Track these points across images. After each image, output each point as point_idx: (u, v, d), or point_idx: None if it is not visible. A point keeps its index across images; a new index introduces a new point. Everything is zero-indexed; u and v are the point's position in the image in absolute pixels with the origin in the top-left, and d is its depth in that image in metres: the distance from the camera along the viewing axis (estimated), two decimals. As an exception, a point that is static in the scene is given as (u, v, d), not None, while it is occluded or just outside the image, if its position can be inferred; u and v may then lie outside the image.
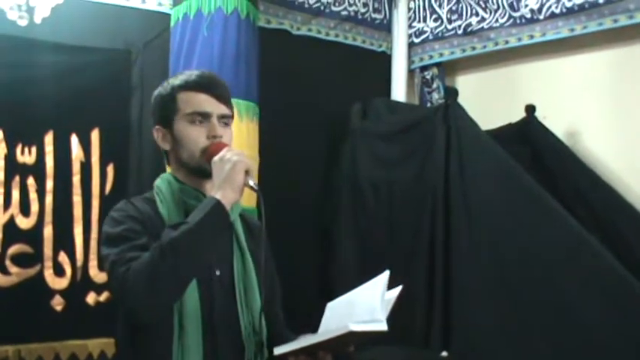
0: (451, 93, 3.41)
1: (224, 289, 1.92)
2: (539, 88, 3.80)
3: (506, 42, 3.87)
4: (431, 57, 4.19)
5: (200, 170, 1.93)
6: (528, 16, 3.77)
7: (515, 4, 3.82)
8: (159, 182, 2.02)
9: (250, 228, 2.08)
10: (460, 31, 4.05)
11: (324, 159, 3.83)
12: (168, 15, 3.41)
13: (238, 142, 3.21)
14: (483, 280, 3.19)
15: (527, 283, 3.09)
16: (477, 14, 3.99)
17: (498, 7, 3.89)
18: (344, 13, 4.05)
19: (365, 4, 4.14)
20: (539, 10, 3.72)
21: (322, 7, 3.95)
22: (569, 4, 3.60)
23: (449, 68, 4.21)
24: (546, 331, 3.07)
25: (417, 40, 4.23)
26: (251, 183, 1.85)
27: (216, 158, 1.86)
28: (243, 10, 3.32)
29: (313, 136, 3.77)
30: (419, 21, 4.23)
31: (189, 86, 1.97)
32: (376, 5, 4.20)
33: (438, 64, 4.19)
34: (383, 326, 1.76)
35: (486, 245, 3.20)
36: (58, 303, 3.18)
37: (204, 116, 1.94)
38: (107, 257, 1.82)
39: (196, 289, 1.85)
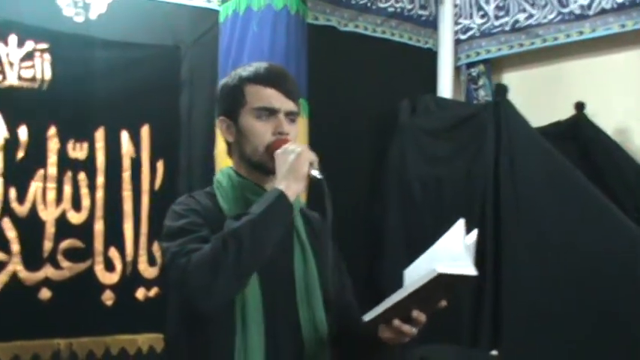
0: (501, 90, 3.39)
1: (285, 286, 1.89)
2: (587, 85, 3.76)
3: (555, 38, 3.83)
4: (477, 54, 4.16)
5: (262, 166, 1.90)
6: (577, 12, 3.73)
7: (564, 0, 3.77)
8: (219, 176, 1.98)
9: (310, 223, 2.04)
10: (507, 28, 4.01)
11: (372, 155, 3.81)
12: (217, 12, 3.42)
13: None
14: (533, 279, 3.17)
15: (578, 282, 3.06)
16: (524, 10, 3.95)
17: (547, 4, 3.85)
18: (390, 9, 4.03)
19: (411, 1, 4.13)
20: (589, 6, 3.67)
21: (369, 4, 3.94)
22: (620, 0, 3.56)
23: (495, 65, 4.18)
24: (596, 331, 3.04)
25: (463, 37, 4.20)
26: (315, 174, 1.82)
27: (278, 151, 1.83)
28: (292, 7, 3.31)
29: (361, 132, 3.76)
30: (465, 17, 4.21)
31: (258, 79, 1.92)
32: (422, 2, 4.18)
33: (484, 61, 4.15)
34: (472, 270, 1.71)
35: (537, 243, 3.18)
36: (108, 298, 3.20)
37: (272, 112, 1.89)
38: (168, 249, 1.78)
39: (258, 286, 1.82)
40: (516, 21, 3.98)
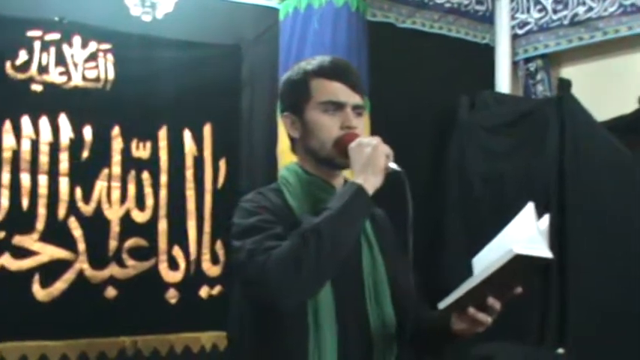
0: (565, 84, 3.34)
1: (354, 284, 1.86)
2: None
3: (616, 31, 3.76)
4: (535, 48, 4.10)
5: (330, 161, 1.86)
6: (640, 4, 3.67)
7: (626, -9, 3.72)
8: (285, 173, 1.95)
9: (375, 219, 2.00)
10: (566, 22, 3.95)
11: (432, 151, 3.78)
12: (277, 10, 3.42)
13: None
14: (599, 276, 3.12)
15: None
16: (583, 4, 3.88)
17: (608, -4, 3.79)
18: (447, 5, 4.00)
19: (467, -4, 4.10)
20: (653, -3, 3.62)
21: (426, 0, 3.91)
22: (685, -9, 3.50)
23: (554, 60, 4.12)
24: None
25: (520, 32, 4.15)
26: (394, 166, 1.77)
27: (353, 144, 1.79)
28: (353, 3, 3.31)
29: (420, 128, 3.73)
30: (522, 12, 4.15)
31: (323, 73, 1.88)
32: (478, -3, 4.15)
33: (542, 56, 4.10)
34: (548, 252, 1.67)
35: (603, 240, 3.13)
36: (172, 296, 3.22)
37: (338, 106, 1.86)
38: (242, 248, 1.73)
39: (330, 284, 1.78)
40: (575, 14, 3.92)
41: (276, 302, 1.70)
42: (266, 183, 3.27)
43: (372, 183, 1.74)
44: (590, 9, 3.86)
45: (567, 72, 4.04)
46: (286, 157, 3.24)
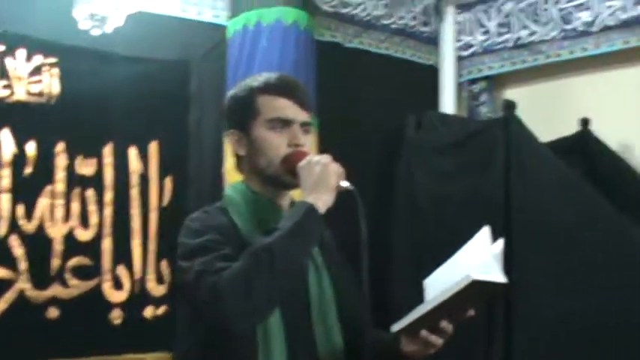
0: (509, 106, 3.38)
1: (301, 305, 1.83)
2: (591, 101, 3.78)
3: (558, 55, 3.86)
4: (480, 70, 4.17)
5: (278, 180, 1.83)
6: (581, 28, 3.75)
7: (567, 17, 3.80)
8: (231, 192, 1.91)
9: (321, 239, 1.92)
10: (510, 44, 4.03)
11: (379, 171, 3.78)
12: (224, 27, 3.40)
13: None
14: (546, 296, 3.15)
15: (593, 299, 3.05)
16: (526, 27, 3.97)
17: (550, 20, 3.87)
18: (394, 26, 4.04)
19: (414, 18, 4.13)
20: (593, 22, 3.70)
21: (373, 21, 3.94)
22: (623, 17, 3.59)
23: (498, 82, 4.20)
24: (612, 348, 3.03)
25: (465, 54, 4.22)
26: (346, 184, 1.75)
27: (302, 163, 1.76)
28: (302, 22, 3.31)
29: (368, 147, 3.73)
30: (467, 34, 4.22)
31: (270, 89, 1.86)
32: (424, 19, 4.18)
33: (486, 78, 4.17)
34: (502, 278, 1.70)
35: (549, 260, 3.16)
36: (116, 316, 3.14)
37: (286, 123, 1.83)
38: (190, 268, 1.68)
39: (278, 307, 1.75)
40: (519, 38, 4.00)
41: (230, 324, 1.65)
42: (213, 201, 3.24)
43: (323, 202, 1.71)
44: (533, 33, 3.94)
45: (511, 94, 4.11)
46: (232, 175, 3.20)
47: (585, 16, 3.73)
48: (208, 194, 3.32)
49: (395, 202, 3.66)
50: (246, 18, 3.29)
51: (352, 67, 3.81)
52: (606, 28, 3.66)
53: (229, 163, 3.23)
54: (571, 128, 3.66)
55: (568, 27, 3.80)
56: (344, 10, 3.80)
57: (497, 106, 4.14)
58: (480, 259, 1.72)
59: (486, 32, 4.14)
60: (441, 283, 1.77)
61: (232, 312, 1.62)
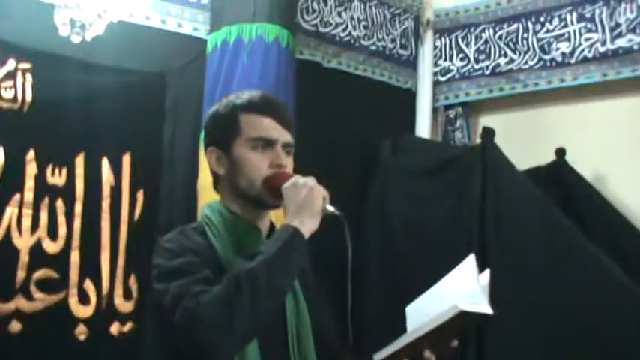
0: (488, 133, 3.38)
1: (278, 332, 1.78)
2: (566, 131, 3.79)
3: (536, 84, 3.87)
4: (456, 96, 4.16)
5: (258, 201, 1.79)
6: (559, 59, 3.77)
7: (546, 47, 3.82)
8: (208, 212, 1.84)
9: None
10: (488, 72, 4.04)
11: (354, 194, 3.73)
12: (204, 40, 3.35)
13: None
14: (519, 328, 3.13)
15: (567, 329, 3.04)
16: (505, 55, 3.98)
17: (528, 49, 3.88)
18: (373, 47, 4.01)
19: (393, 40, 4.12)
20: (571, 54, 3.72)
21: (352, 41, 3.91)
22: (602, 49, 3.62)
23: (474, 108, 4.19)
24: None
25: (442, 79, 4.21)
26: (331, 209, 1.72)
27: (287, 184, 1.72)
28: (283, 40, 3.27)
29: (343, 169, 3.67)
30: (445, 59, 4.22)
31: (253, 108, 1.82)
32: (403, 42, 4.17)
33: (462, 104, 4.16)
34: (489, 308, 1.68)
35: (524, 288, 3.15)
36: (81, 332, 3.04)
37: (268, 143, 1.79)
38: (166, 291, 1.61)
39: None
40: (497, 65, 4.01)
41: (206, 354, 1.59)
42: (185, 218, 3.20)
43: (308, 227, 1.67)
44: (512, 61, 3.95)
45: (486, 121, 4.10)
46: (207, 193, 3.13)
47: (564, 47, 3.75)
48: (181, 211, 3.27)
49: (368, 225, 3.62)
50: (227, 33, 3.25)
51: (330, 87, 3.77)
52: (584, 60, 3.68)
53: (204, 180, 3.18)
54: (546, 158, 3.67)
55: (546, 57, 3.82)
56: (324, 30, 3.77)
57: (472, 132, 4.14)
58: (466, 288, 1.70)
59: (465, 58, 4.14)
60: (425, 311, 1.75)
61: (210, 341, 1.56)
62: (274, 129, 1.80)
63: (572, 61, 3.72)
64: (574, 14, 3.72)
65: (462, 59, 4.16)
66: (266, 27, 3.23)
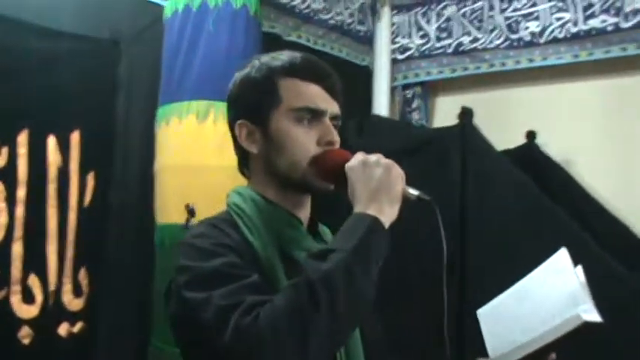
0: (467, 113, 3.18)
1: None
2: (534, 113, 3.64)
3: (503, 64, 3.70)
4: (416, 75, 3.94)
5: (304, 185, 1.46)
6: (528, 39, 3.61)
7: (514, 25, 3.65)
8: (238, 200, 1.49)
9: None
10: (450, 50, 3.84)
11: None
12: (159, 6, 3.00)
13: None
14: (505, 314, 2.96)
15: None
16: (469, 34, 3.79)
17: (494, 28, 3.71)
18: (331, 22, 3.74)
19: (351, 15, 3.86)
20: (541, 33, 3.57)
21: (312, 14, 3.63)
22: (574, 30, 3.48)
23: (433, 88, 3.99)
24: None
25: (400, 57, 3.98)
26: (415, 192, 1.41)
27: (354, 163, 1.39)
28: (251, 6, 2.95)
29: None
30: (404, 37, 3.99)
31: (297, 71, 1.49)
32: (361, 17, 3.92)
33: (421, 83, 3.95)
34: (598, 316, 1.46)
35: (507, 270, 2.97)
36: (25, 335, 2.65)
37: (316, 114, 1.47)
38: (205, 302, 1.27)
39: None
40: (460, 44, 3.82)
41: None
42: (142, 202, 2.86)
43: (388, 215, 1.35)
44: (476, 39, 3.77)
45: (447, 101, 3.93)
46: (167, 175, 2.82)
47: (533, 26, 3.59)
48: (136, 194, 2.93)
49: (338, 212, 3.35)
50: (189, -3, 2.91)
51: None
52: (555, 40, 3.53)
53: (165, 159, 2.85)
54: (514, 140, 3.50)
55: (514, 36, 3.65)
56: (284, 0, 3.47)
57: (430, 113, 3.95)
58: (563, 288, 1.46)
59: (425, 36, 3.93)
60: (509, 315, 1.52)
61: None
62: (323, 98, 1.49)
63: (542, 41, 3.57)
64: (544, -8, 3.57)
65: (421, 37, 3.95)
66: (234, -9, 2.91)
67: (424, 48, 3.93)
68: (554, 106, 3.60)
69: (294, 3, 3.52)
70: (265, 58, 1.56)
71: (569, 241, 2.89)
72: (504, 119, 3.68)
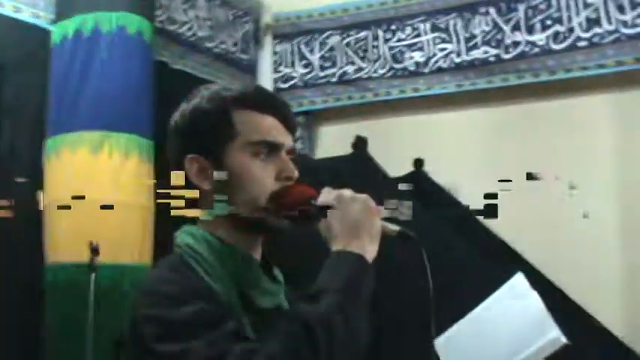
0: (360, 142, 3.20)
1: None
2: (420, 141, 3.71)
3: (388, 93, 3.75)
4: (300, 104, 3.92)
5: (261, 224, 1.34)
6: (412, 68, 3.69)
7: (398, 55, 3.72)
8: (190, 241, 1.35)
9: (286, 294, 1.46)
10: (334, 79, 3.85)
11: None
12: (46, 30, 2.83)
13: (134, 187, 2.74)
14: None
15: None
16: (353, 63, 3.83)
17: (379, 58, 3.76)
18: (216, 50, 3.67)
19: (235, 44, 3.80)
20: (425, 63, 3.66)
21: (198, 42, 3.54)
22: (457, 60, 3.59)
23: (317, 117, 3.98)
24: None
25: (283, 86, 3.95)
26: (397, 228, 1.31)
27: (328, 197, 1.30)
28: (146, 33, 2.85)
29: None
30: (286, 66, 3.97)
31: (251, 102, 1.37)
32: (244, 46, 3.86)
33: (305, 113, 3.93)
34: (563, 337, 1.47)
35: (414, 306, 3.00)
36: None
37: (273, 149, 1.35)
38: (185, 355, 1.16)
39: None
40: (344, 73, 3.84)
41: None
42: (29, 240, 2.67)
43: (370, 252, 1.26)
44: (360, 69, 3.81)
45: (332, 130, 3.93)
46: (59, 211, 2.64)
47: (418, 56, 3.67)
48: (22, 231, 2.71)
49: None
50: (79, 22, 2.77)
51: (177, 90, 3.37)
52: (439, 70, 3.63)
53: (54, 192, 2.67)
54: (401, 167, 3.55)
55: (398, 66, 3.72)
56: (171, 27, 3.38)
57: (314, 142, 3.94)
58: (529, 314, 1.46)
59: (308, 65, 3.93)
60: (471, 343, 1.50)
61: None
62: (279, 130, 1.37)
63: (426, 70, 3.66)
64: (427, 24, 3.66)
65: (305, 66, 3.94)
66: (128, 17, 2.81)
67: (308, 77, 3.93)
68: (440, 133, 3.69)
69: (180, 30, 3.43)
70: (214, 88, 1.45)
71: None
72: (391, 147, 3.71)
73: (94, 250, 2.39)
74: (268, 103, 1.38)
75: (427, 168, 3.55)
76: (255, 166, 1.34)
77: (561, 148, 3.50)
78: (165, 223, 3.01)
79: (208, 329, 1.16)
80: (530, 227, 3.47)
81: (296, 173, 1.36)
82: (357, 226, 1.27)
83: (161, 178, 2.98)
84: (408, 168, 3.55)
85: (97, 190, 2.65)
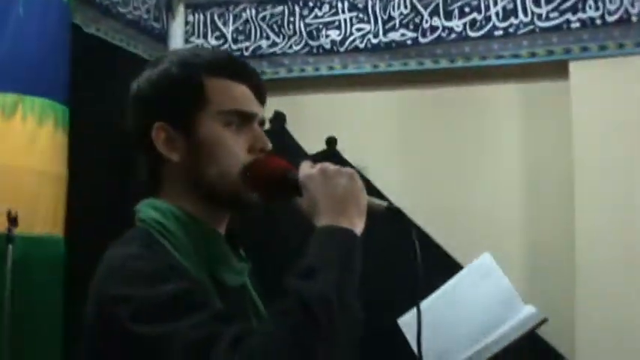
0: (279, 118, 3.16)
1: None
2: (335, 120, 3.71)
3: (302, 70, 3.73)
4: (212, 77, 3.83)
5: (232, 198, 1.28)
6: (328, 46, 3.68)
7: (314, 33, 3.70)
8: (157, 216, 1.26)
9: (259, 281, 1.43)
10: (247, 53, 3.78)
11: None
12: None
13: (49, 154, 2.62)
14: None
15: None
16: (268, 37, 3.77)
17: (294, 34, 3.73)
18: (129, 16, 3.52)
19: (147, 10, 3.66)
20: (342, 42, 3.65)
21: (111, 7, 3.39)
22: (374, 41, 3.60)
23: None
24: None
25: (195, 57, 3.85)
26: (384, 203, 1.27)
27: (311, 171, 1.24)
28: (65, -8, 2.71)
29: (118, 149, 3.16)
30: (198, 37, 3.87)
31: (223, 70, 1.31)
32: (156, 14, 3.73)
33: (217, 86, 3.85)
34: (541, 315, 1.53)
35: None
36: None
37: (245, 119, 1.30)
38: (169, 337, 1.06)
39: None
40: (258, 47, 3.79)
41: None
42: None
43: (359, 227, 1.20)
44: (275, 44, 3.76)
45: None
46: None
47: (334, 34, 3.66)
48: None
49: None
50: (-5, -24, 2.60)
51: (93, 56, 3.23)
52: (355, 50, 3.63)
53: None
54: (314, 145, 3.54)
55: (314, 43, 3.70)
56: (85, -10, 3.22)
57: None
58: (499, 292, 1.49)
59: (221, 37, 3.85)
60: (441, 321, 1.51)
61: None
62: (251, 100, 1.32)
63: (342, 49, 3.65)
64: (345, 3, 3.65)
65: (217, 38, 3.86)
66: (45, -26, 2.65)
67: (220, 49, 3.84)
68: (354, 113, 3.70)
69: (94, -7, 3.28)
70: (184, 53, 1.37)
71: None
72: (304, 125, 3.70)
73: (13, 220, 2.26)
74: (241, 71, 1.34)
75: (340, 147, 3.56)
76: (228, 137, 1.28)
77: (471, 133, 3.58)
78: (78, 193, 2.89)
79: (193, 309, 1.09)
80: (436, 211, 3.53)
81: (270, 145, 1.33)
82: (345, 200, 1.22)
83: (75, 145, 2.87)
84: (321, 146, 3.55)
85: (10, 156, 2.52)
